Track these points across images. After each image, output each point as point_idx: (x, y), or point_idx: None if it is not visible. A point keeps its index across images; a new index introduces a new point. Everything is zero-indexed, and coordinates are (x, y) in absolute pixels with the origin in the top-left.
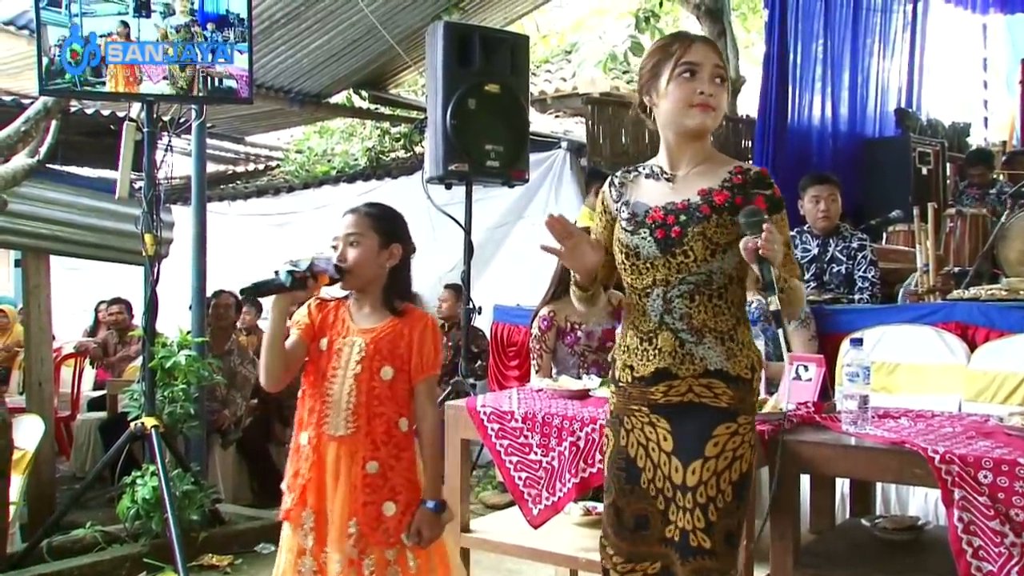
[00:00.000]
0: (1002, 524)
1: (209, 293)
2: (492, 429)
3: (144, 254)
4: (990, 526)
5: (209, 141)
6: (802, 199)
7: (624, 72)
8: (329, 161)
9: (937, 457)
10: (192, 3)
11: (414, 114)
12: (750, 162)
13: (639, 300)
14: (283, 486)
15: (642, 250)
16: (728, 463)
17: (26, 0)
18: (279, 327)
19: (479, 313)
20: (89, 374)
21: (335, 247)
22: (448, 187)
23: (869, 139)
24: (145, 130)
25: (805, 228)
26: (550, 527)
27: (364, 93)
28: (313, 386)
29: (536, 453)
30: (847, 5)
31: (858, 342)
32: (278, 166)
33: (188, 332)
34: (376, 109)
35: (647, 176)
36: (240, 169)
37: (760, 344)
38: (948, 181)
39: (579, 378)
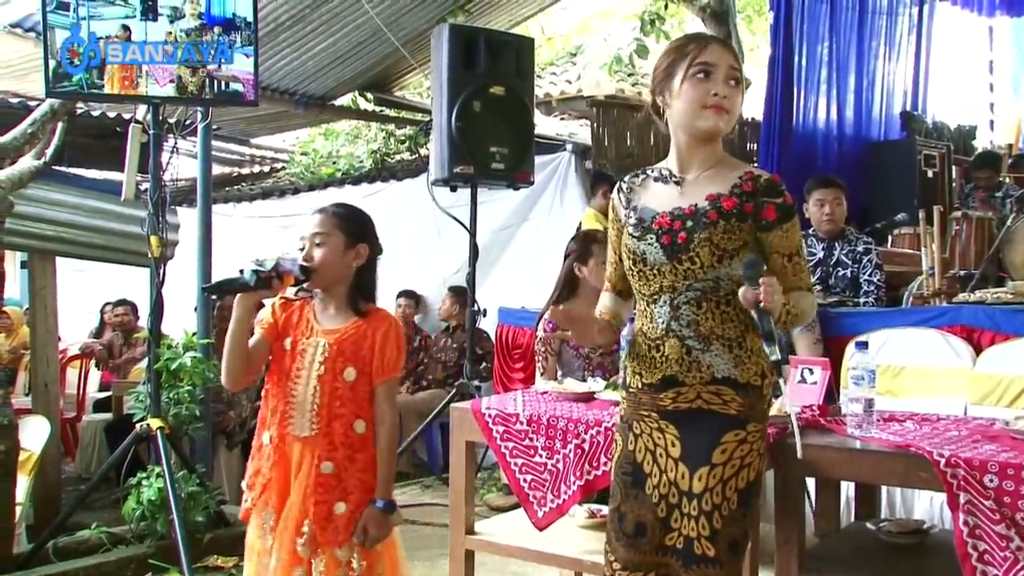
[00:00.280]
0: (1008, 528)
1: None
2: (497, 431)
3: (150, 256)
4: (995, 530)
5: (215, 143)
6: (807, 202)
7: (629, 75)
8: (334, 163)
9: (942, 461)
10: (199, 6)
11: (419, 116)
12: (755, 166)
13: (647, 307)
14: (243, 485)
15: (649, 256)
16: (735, 471)
17: (33, 3)
18: (242, 326)
19: (484, 315)
20: (95, 375)
21: (301, 248)
22: (453, 189)
23: (874, 142)
24: (151, 132)
25: (810, 232)
26: (555, 530)
27: (369, 95)
28: (277, 386)
29: (541, 455)
30: (852, 8)
31: (863, 345)
32: (283, 168)
33: (193, 334)
34: (381, 111)
35: (656, 179)
36: (246, 171)
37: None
38: (954, 184)
39: (584, 380)
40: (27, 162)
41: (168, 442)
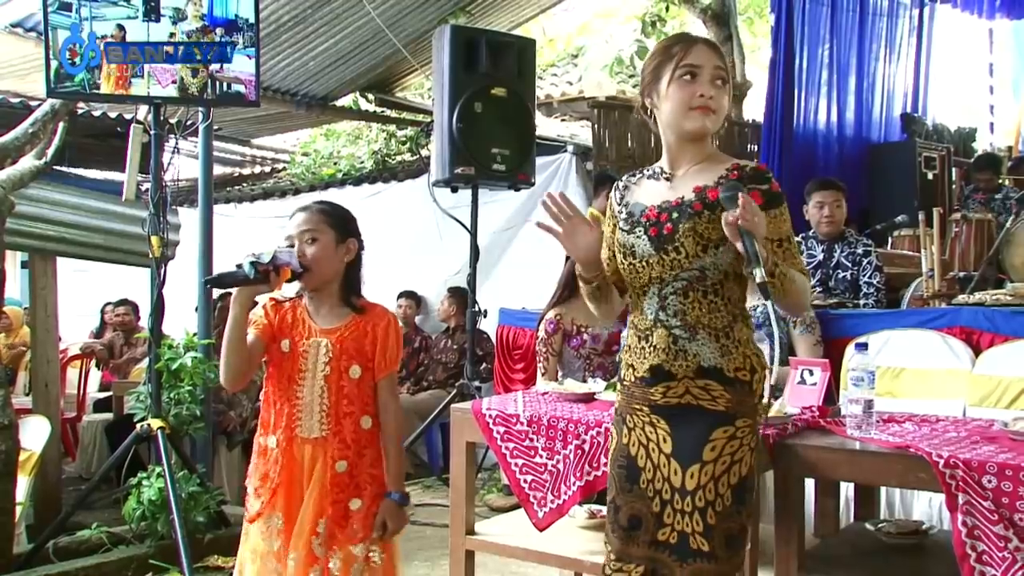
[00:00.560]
0: (1006, 529)
1: (215, 295)
2: (497, 432)
3: (150, 256)
4: (994, 530)
5: (216, 143)
6: (807, 204)
7: (630, 76)
8: (335, 164)
9: (941, 461)
10: (201, 7)
11: (420, 117)
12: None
13: (638, 299)
14: (249, 489)
15: (637, 248)
16: (726, 467)
17: (34, 3)
18: (241, 322)
19: (485, 316)
20: (95, 375)
21: (291, 245)
22: (454, 190)
23: (875, 144)
24: (152, 132)
25: (810, 233)
26: (555, 530)
27: (370, 96)
28: (279, 388)
29: (541, 456)
30: (853, 10)
31: (863, 347)
32: (284, 169)
33: (194, 334)
34: (382, 112)
35: (649, 177)
36: (247, 171)
37: (764, 348)
38: (954, 186)
39: (584, 381)
40: (28, 162)
41: (169, 442)
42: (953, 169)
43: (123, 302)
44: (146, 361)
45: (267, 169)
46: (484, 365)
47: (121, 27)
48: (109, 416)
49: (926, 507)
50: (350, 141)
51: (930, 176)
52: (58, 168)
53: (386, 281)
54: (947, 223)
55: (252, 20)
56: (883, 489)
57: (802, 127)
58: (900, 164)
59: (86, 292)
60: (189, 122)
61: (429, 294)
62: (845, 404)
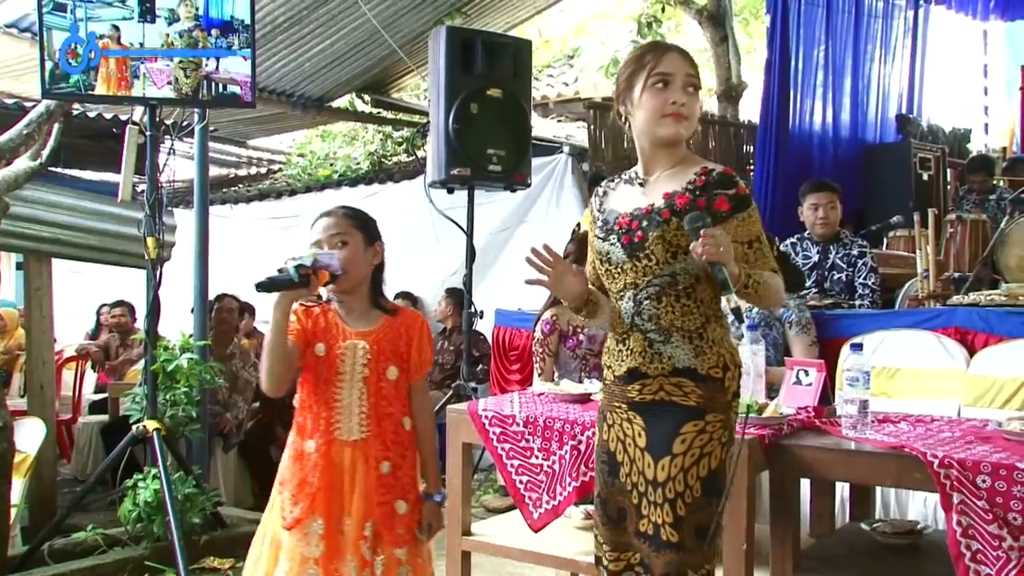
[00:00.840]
0: (1000, 528)
1: (211, 296)
2: (493, 433)
3: (146, 257)
4: (988, 530)
5: (211, 144)
6: (802, 206)
7: None
8: (331, 165)
9: (936, 461)
10: (196, 8)
11: (416, 118)
12: (751, 173)
13: (616, 303)
14: (283, 495)
15: (612, 256)
16: (695, 460)
17: (29, 3)
18: (282, 328)
19: (481, 317)
20: (91, 377)
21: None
22: (450, 191)
23: (870, 145)
24: (148, 133)
25: (806, 235)
26: (551, 531)
27: (367, 97)
28: (315, 393)
29: (537, 457)
30: (848, 11)
31: (858, 347)
32: (280, 170)
33: (190, 335)
34: (379, 113)
35: (625, 182)
36: (242, 173)
37: (760, 348)
38: (949, 187)
39: (581, 382)
40: (23, 163)
41: (164, 444)
42: (948, 170)
43: (119, 303)
44: (142, 363)
45: (263, 170)
46: (480, 366)
47: (116, 27)
48: (105, 418)
49: (921, 507)
50: (346, 142)
51: (925, 177)
52: (53, 169)
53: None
54: (942, 224)
55: (247, 21)
56: (878, 489)
57: (798, 128)
58: (895, 165)
59: (82, 293)
60: (185, 123)
61: (425, 295)
62: (840, 404)
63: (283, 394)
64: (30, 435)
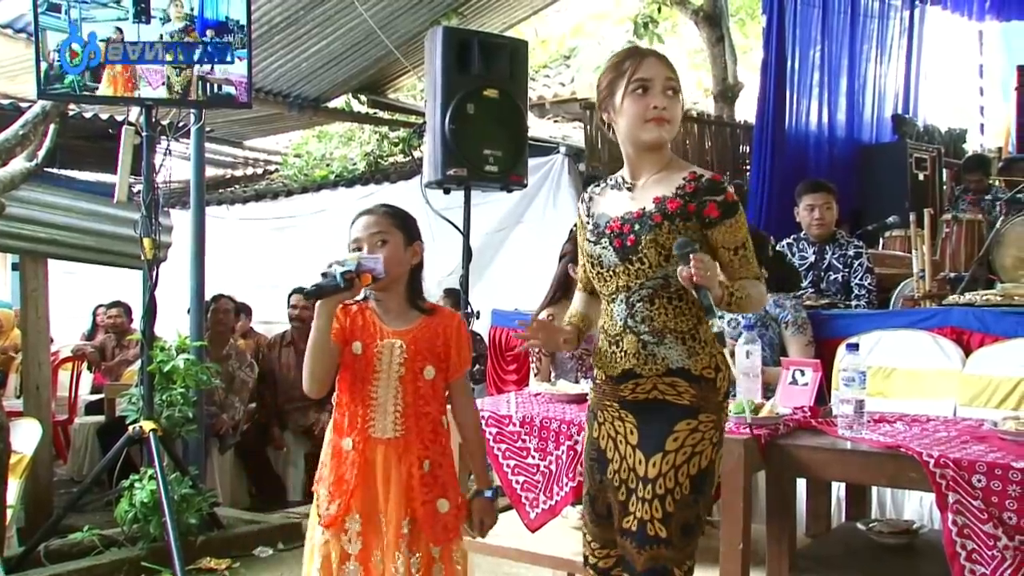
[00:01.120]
0: (995, 527)
1: (208, 297)
2: (490, 433)
3: (143, 258)
4: (983, 529)
5: (208, 145)
6: (798, 207)
7: None
8: (328, 165)
9: (932, 461)
10: (192, 9)
11: (413, 119)
12: (747, 174)
13: (607, 306)
14: (321, 491)
15: (604, 259)
16: (687, 458)
17: (24, 3)
18: (326, 331)
19: (477, 318)
20: (87, 378)
21: (358, 248)
22: (447, 192)
23: (866, 145)
24: (144, 134)
25: (802, 235)
26: (547, 531)
27: (363, 98)
28: (352, 391)
29: (534, 457)
30: (844, 12)
31: (854, 347)
32: (277, 170)
33: (186, 336)
34: (375, 114)
35: (612, 187)
36: (239, 173)
37: (757, 348)
38: (944, 187)
39: (577, 382)
40: (19, 164)
41: (161, 444)
42: (944, 170)
43: (116, 304)
44: (138, 363)
45: (259, 171)
46: (477, 366)
47: (120, 30)
48: (101, 418)
49: (917, 506)
50: (342, 143)
51: (921, 177)
52: (49, 170)
53: None
54: (938, 224)
55: (243, 22)
56: (874, 489)
57: (794, 128)
58: (891, 165)
59: (78, 294)
60: (181, 124)
61: None
62: (836, 404)
63: (324, 395)
64: (26, 436)
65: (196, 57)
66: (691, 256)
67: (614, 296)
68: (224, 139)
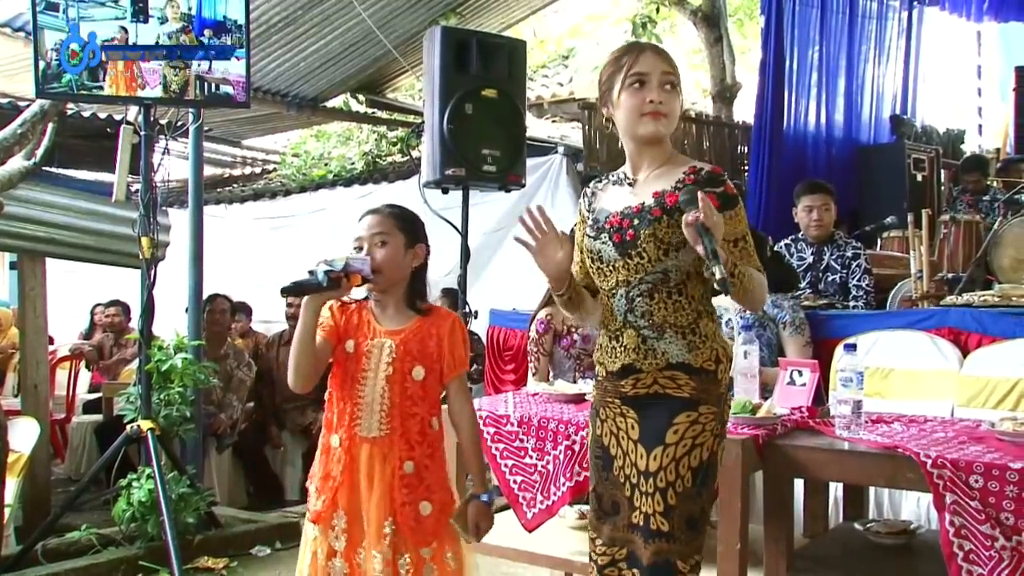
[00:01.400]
0: (992, 528)
1: (205, 296)
2: (488, 433)
3: (141, 257)
4: (981, 530)
5: (206, 144)
6: (796, 207)
7: None
8: (326, 165)
9: (929, 462)
10: (189, 9)
11: (411, 118)
12: (745, 174)
13: (608, 301)
14: (311, 487)
15: (603, 254)
16: (687, 450)
17: (23, 2)
18: (311, 327)
19: (475, 317)
20: (85, 377)
21: (359, 247)
22: (445, 191)
23: (864, 145)
24: (142, 133)
25: (800, 236)
26: (545, 531)
27: (361, 97)
28: (342, 388)
29: (531, 457)
30: (842, 12)
31: (852, 347)
32: (275, 170)
33: (184, 335)
34: (373, 113)
35: (614, 183)
36: (237, 172)
37: (755, 348)
38: (942, 188)
39: (575, 382)
40: (17, 163)
41: (159, 443)
42: (942, 171)
43: (114, 303)
44: (136, 362)
45: (257, 170)
46: (475, 366)
47: (124, 29)
48: (99, 417)
49: (914, 507)
50: (341, 142)
51: (919, 178)
52: (47, 169)
53: None
54: (936, 225)
55: (241, 21)
56: (872, 489)
57: (792, 128)
58: (889, 166)
59: (76, 293)
60: (179, 123)
61: None
62: (834, 405)
63: (309, 390)
64: (24, 435)
65: (194, 56)
66: (699, 195)
67: (614, 291)
68: (222, 138)
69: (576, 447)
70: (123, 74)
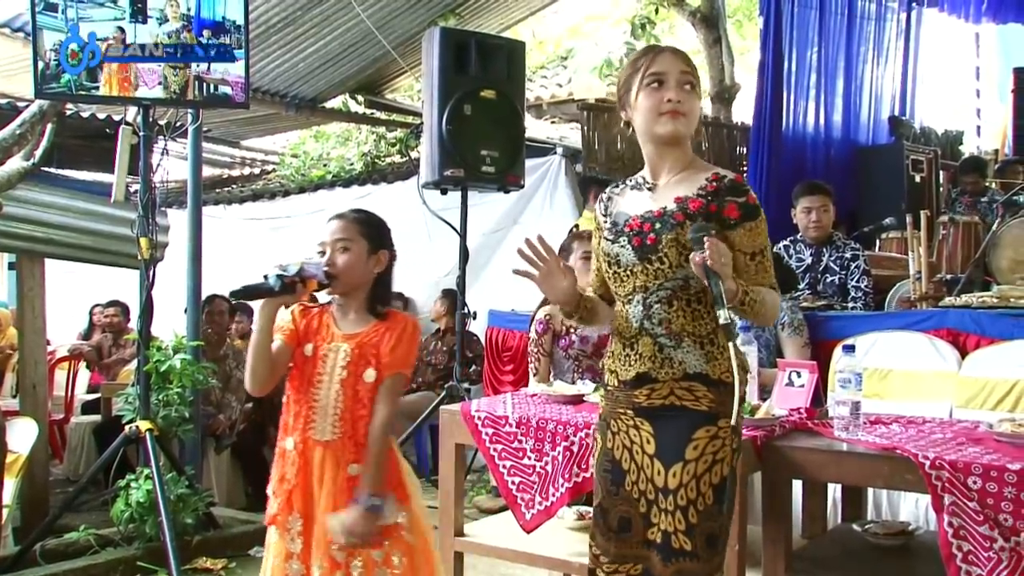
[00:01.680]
0: (991, 529)
1: (204, 297)
2: (486, 434)
3: (139, 258)
4: (979, 531)
5: (205, 145)
6: (795, 208)
7: None
8: (325, 166)
9: (927, 463)
10: (188, 9)
11: (410, 119)
12: (744, 175)
13: (623, 307)
14: (269, 491)
15: (622, 258)
16: (708, 466)
17: (22, 3)
18: (266, 331)
19: (474, 318)
20: (83, 377)
21: (322, 252)
22: (444, 192)
23: (863, 146)
24: (141, 134)
25: (799, 237)
26: (543, 531)
27: (360, 98)
28: (299, 391)
29: (530, 458)
30: (841, 13)
31: (850, 348)
32: (274, 170)
33: (183, 336)
34: (372, 114)
35: (632, 187)
36: (236, 173)
37: (753, 350)
38: (941, 189)
39: (573, 383)
40: (16, 163)
41: (157, 444)
42: (940, 172)
43: (113, 303)
44: (135, 363)
45: (256, 171)
46: (473, 367)
47: (122, 29)
48: (97, 418)
49: (913, 508)
50: (340, 143)
51: (917, 179)
52: (46, 169)
53: None
54: (934, 226)
55: (240, 22)
56: (870, 490)
57: (791, 130)
58: (888, 167)
59: (74, 293)
60: (178, 123)
61: (417, 296)
62: (833, 406)
63: (266, 393)
64: (22, 435)
65: (193, 57)
66: (705, 240)
67: (630, 297)
68: (221, 139)
69: (575, 448)
70: (117, 74)
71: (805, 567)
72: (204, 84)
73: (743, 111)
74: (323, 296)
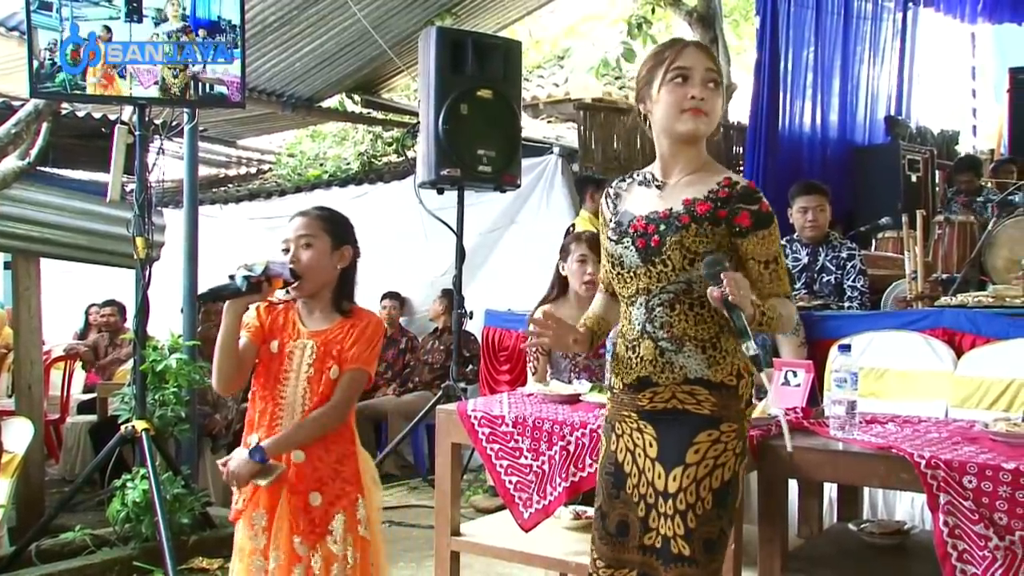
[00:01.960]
0: (986, 528)
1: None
2: (483, 433)
3: (135, 257)
4: (974, 530)
5: (201, 144)
6: (791, 208)
7: (616, 78)
8: (321, 165)
9: (923, 462)
10: (184, 9)
11: (406, 119)
12: (740, 172)
13: (627, 309)
14: (233, 487)
15: (625, 259)
16: (709, 471)
17: (16, 1)
18: (232, 331)
19: (471, 318)
20: (79, 377)
21: (286, 250)
22: (440, 192)
23: (859, 146)
24: (137, 133)
25: (795, 237)
26: (540, 531)
27: (356, 97)
28: (264, 388)
29: (526, 457)
30: (837, 13)
31: (846, 348)
32: (270, 170)
33: (179, 335)
34: (368, 113)
35: (640, 183)
36: (232, 172)
37: None
38: (937, 188)
39: (570, 382)
40: (11, 162)
41: (153, 444)
42: (936, 172)
43: (109, 303)
44: (131, 362)
45: (253, 170)
46: (470, 367)
47: (108, 28)
48: (93, 418)
49: (908, 507)
50: (336, 142)
51: (914, 179)
52: (42, 169)
53: (371, 282)
54: (930, 225)
55: (236, 21)
56: (866, 489)
57: (787, 129)
58: (884, 166)
59: (70, 293)
60: (174, 123)
61: (414, 295)
62: (828, 405)
63: (233, 393)
64: (18, 435)
65: (189, 57)
66: (722, 275)
67: (633, 299)
68: (218, 138)
69: (571, 447)
70: (112, 73)
71: (801, 566)
72: (200, 83)
73: (739, 111)
74: (281, 293)
